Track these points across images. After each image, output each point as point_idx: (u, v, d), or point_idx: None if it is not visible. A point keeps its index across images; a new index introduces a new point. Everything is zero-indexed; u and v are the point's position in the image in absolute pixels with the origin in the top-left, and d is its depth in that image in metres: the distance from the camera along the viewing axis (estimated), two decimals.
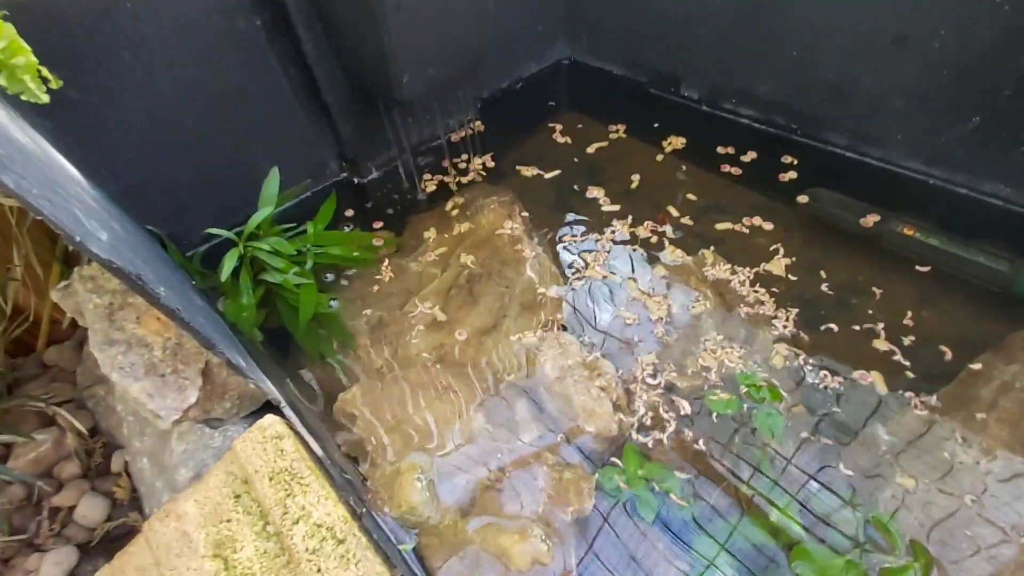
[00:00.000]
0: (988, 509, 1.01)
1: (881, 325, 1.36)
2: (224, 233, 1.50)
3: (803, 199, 1.69)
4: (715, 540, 1.01)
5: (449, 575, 0.99)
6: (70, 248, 1.54)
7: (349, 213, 1.91)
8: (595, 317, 1.50)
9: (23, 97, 1.07)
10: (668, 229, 1.73)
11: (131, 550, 1.10)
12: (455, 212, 1.91)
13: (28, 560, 1.27)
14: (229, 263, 1.45)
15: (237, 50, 1.50)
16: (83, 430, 1.38)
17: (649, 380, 1.31)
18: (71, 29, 1.23)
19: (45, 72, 1.05)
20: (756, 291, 1.49)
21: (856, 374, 1.24)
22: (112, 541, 1.35)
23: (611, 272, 1.62)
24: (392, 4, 1.29)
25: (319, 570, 0.96)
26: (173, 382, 1.14)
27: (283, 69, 1.61)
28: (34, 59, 1.02)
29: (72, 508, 1.36)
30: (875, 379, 1.24)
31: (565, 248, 1.74)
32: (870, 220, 1.57)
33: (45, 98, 1.09)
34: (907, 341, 1.33)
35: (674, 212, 1.78)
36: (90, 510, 1.34)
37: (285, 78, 1.63)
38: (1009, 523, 0.99)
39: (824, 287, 1.48)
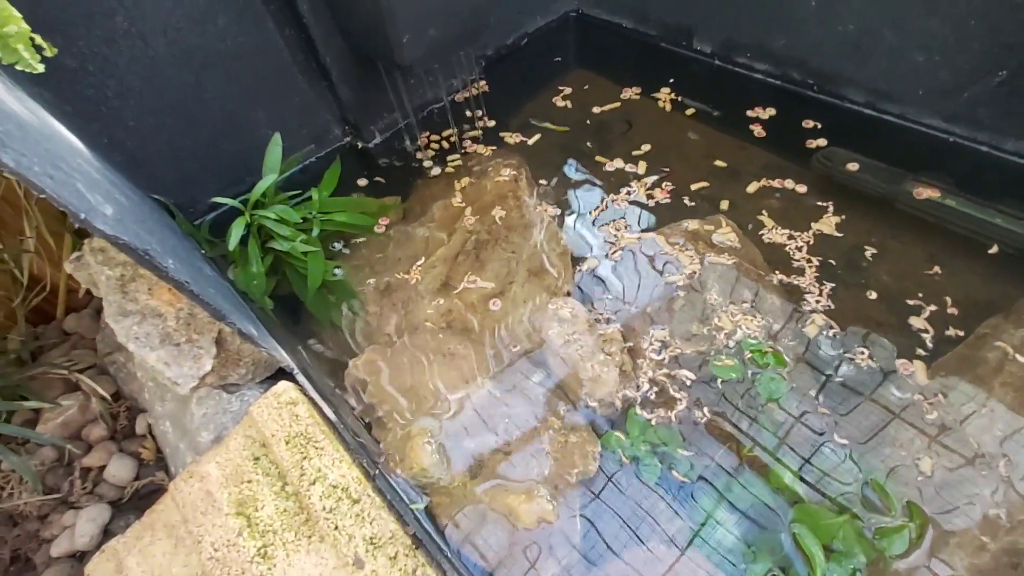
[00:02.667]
0: (988, 470, 1.03)
1: (874, 295, 1.35)
2: (229, 202, 1.50)
3: (819, 159, 1.65)
4: (716, 490, 1.04)
5: (459, 533, 1.04)
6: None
7: (354, 179, 1.90)
8: (603, 282, 1.50)
9: (18, 67, 1.06)
10: (677, 189, 1.70)
11: (159, 508, 1.17)
12: (461, 176, 1.88)
13: (64, 516, 1.35)
14: (236, 232, 1.46)
15: (231, 12, 1.45)
16: (106, 395, 1.43)
17: (655, 347, 1.32)
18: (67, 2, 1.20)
19: (39, 40, 1.03)
20: (771, 251, 1.48)
21: (899, 363, 1.20)
22: (141, 498, 1.42)
23: (619, 235, 1.61)
24: None
25: (336, 527, 1.01)
26: (188, 351, 1.17)
27: (279, 31, 1.56)
28: (26, 27, 1.00)
29: (102, 468, 1.43)
30: (918, 369, 1.19)
31: (574, 212, 1.72)
32: (887, 180, 1.54)
33: (40, 67, 1.07)
34: (914, 303, 1.32)
35: (685, 172, 1.75)
36: (119, 470, 1.41)
37: (282, 41, 1.58)
38: (1008, 482, 1.01)
39: (838, 247, 1.46)
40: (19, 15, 0.99)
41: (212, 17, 1.41)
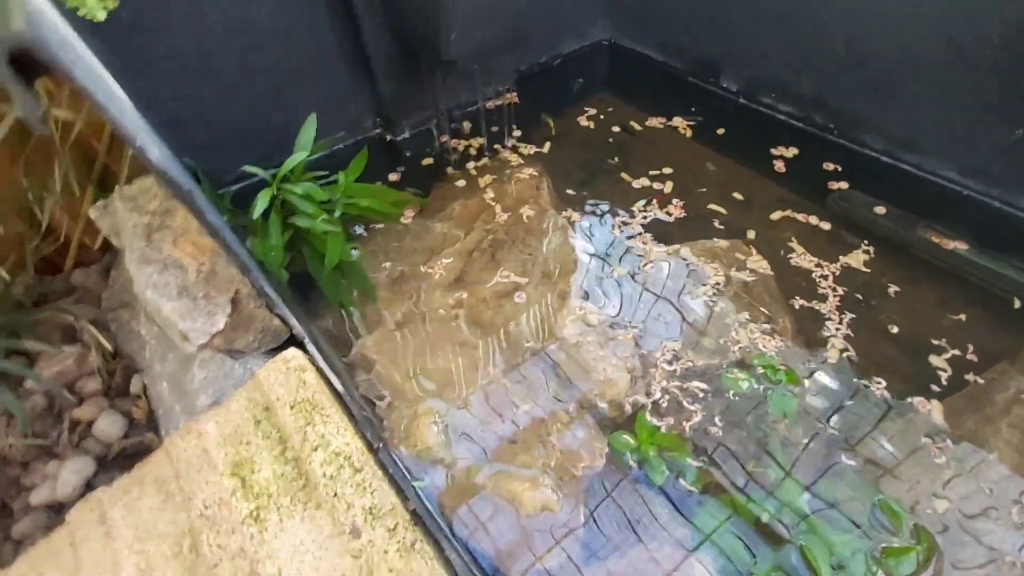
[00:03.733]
0: (992, 507, 1.02)
1: (896, 328, 1.37)
2: (260, 172, 1.51)
3: (835, 199, 1.70)
4: (722, 501, 1.03)
5: (461, 514, 1.02)
6: (127, 172, 1.56)
7: (378, 169, 1.92)
8: (618, 290, 1.51)
9: (80, 13, 1.09)
10: (697, 211, 1.73)
11: (151, 461, 1.14)
12: (484, 178, 1.91)
13: (48, 466, 1.31)
14: (262, 202, 1.46)
15: None
16: (109, 347, 1.41)
17: (668, 356, 1.32)
18: None
19: None
20: (794, 276, 1.50)
21: (916, 400, 1.20)
22: (127, 458, 1.38)
23: (635, 249, 1.63)
24: None
25: (335, 495, 0.98)
26: (204, 306, 1.16)
27: (330, 18, 1.61)
28: None
29: (91, 423, 1.39)
30: (936, 408, 1.19)
31: (591, 223, 1.75)
32: (900, 225, 1.58)
33: (102, 15, 1.10)
34: (935, 343, 1.33)
35: (706, 198, 1.79)
36: (109, 426, 1.38)
37: (331, 27, 1.63)
38: (1012, 522, 1.00)
39: (847, 286, 1.48)
40: None
41: None
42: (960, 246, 1.50)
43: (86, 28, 1.26)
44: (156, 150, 0.91)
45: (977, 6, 1.38)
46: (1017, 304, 1.40)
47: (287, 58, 1.61)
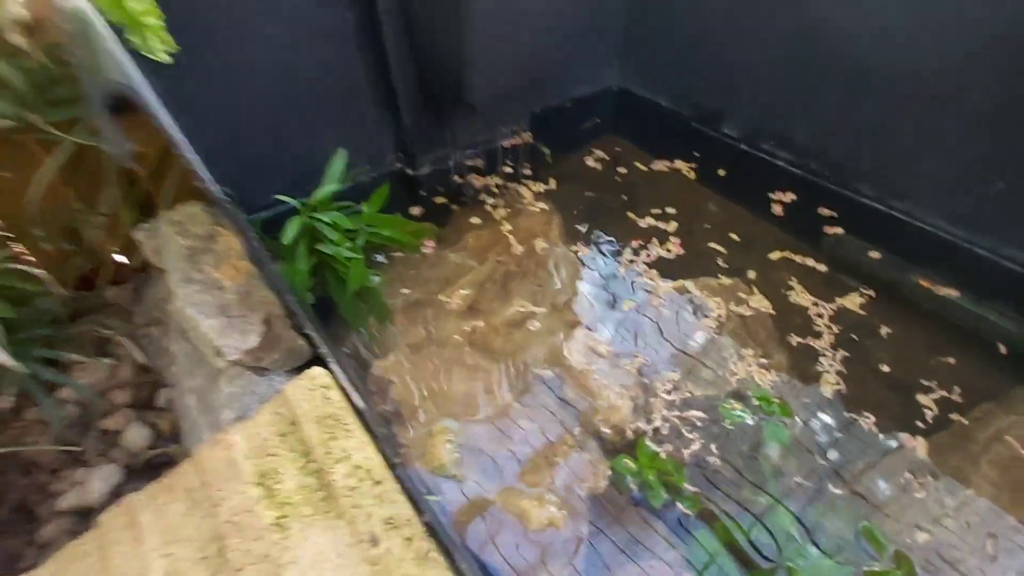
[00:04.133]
0: (969, 537, 1.08)
1: (886, 367, 1.44)
2: (291, 201, 1.62)
3: (829, 242, 1.80)
4: (717, 525, 1.09)
5: (472, 527, 1.08)
6: (170, 199, 1.67)
7: (398, 200, 2.04)
8: (623, 322, 1.60)
9: (145, 53, 1.21)
10: (697, 250, 1.83)
11: (180, 471, 1.20)
12: (497, 212, 2.02)
13: (76, 473, 1.37)
14: (292, 229, 1.57)
15: (325, 38, 1.64)
16: (143, 361, 1.49)
17: (668, 386, 1.40)
18: (193, 4, 1.38)
19: (166, 34, 1.18)
20: (791, 314, 1.58)
21: (903, 436, 1.27)
22: (152, 468, 1.45)
23: (639, 283, 1.72)
24: (478, 15, 1.43)
25: (356, 505, 1.05)
26: (239, 325, 1.25)
27: (362, 60, 1.75)
28: (160, 22, 1.16)
29: (119, 433, 1.47)
30: (920, 445, 1.26)
31: (598, 257, 1.85)
32: (890, 268, 1.67)
33: (165, 58, 1.22)
34: (923, 382, 1.41)
35: (707, 237, 1.89)
36: (136, 437, 1.45)
37: (363, 69, 1.77)
38: (985, 554, 1.06)
39: (842, 325, 1.56)
40: (158, 11, 1.15)
41: (307, 41, 1.60)
42: (951, 292, 1.59)
43: (145, 68, 1.40)
44: (213, 182, 1.02)
45: (959, 67, 1.50)
46: (1003, 349, 1.47)
47: (320, 96, 1.74)
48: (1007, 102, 1.45)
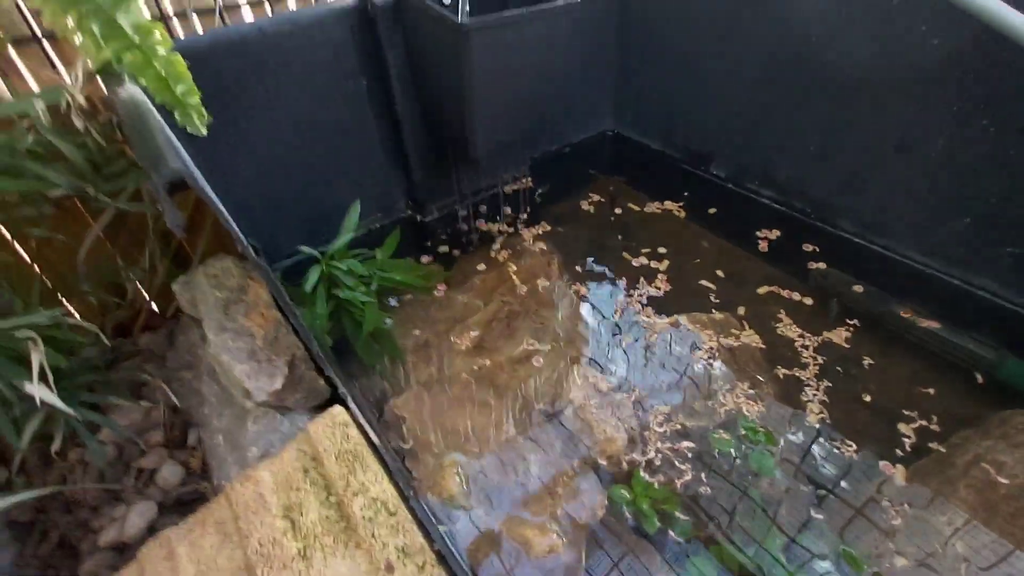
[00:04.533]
0: (948, 559, 1.15)
1: (868, 396, 1.53)
2: (312, 252, 1.77)
3: (814, 275, 1.91)
4: (708, 551, 1.17)
5: (480, 555, 1.17)
6: (201, 251, 1.83)
7: (408, 245, 2.19)
8: (619, 357, 1.70)
9: (187, 129, 1.38)
10: (690, 286, 1.94)
11: (212, 506, 1.31)
12: (501, 254, 2.16)
13: (115, 509, 1.48)
14: (312, 277, 1.71)
15: (343, 102, 1.82)
16: (177, 403, 1.62)
17: (660, 419, 1.49)
18: (225, 79, 1.56)
19: (203, 110, 1.35)
20: (778, 346, 1.68)
21: (882, 464, 1.35)
22: (183, 504, 1.56)
23: (634, 319, 1.83)
24: (479, 83, 1.60)
25: (372, 535, 1.15)
26: (266, 368, 1.37)
27: (376, 121, 1.92)
28: (199, 101, 1.32)
29: (153, 471, 1.58)
30: (899, 472, 1.33)
31: (596, 295, 1.97)
32: (873, 301, 1.78)
33: (204, 131, 1.39)
34: (903, 411, 1.49)
35: (698, 274, 2.01)
36: (169, 475, 1.56)
37: (376, 128, 1.94)
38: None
39: (827, 356, 1.66)
40: (198, 91, 1.32)
41: (328, 105, 1.77)
42: (931, 324, 1.69)
43: (184, 136, 1.57)
44: (247, 243, 1.16)
45: (922, 117, 1.64)
46: (979, 378, 1.56)
47: (338, 154, 1.91)
48: (964, 150, 1.58)
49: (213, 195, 0.98)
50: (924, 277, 1.81)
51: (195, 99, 1.33)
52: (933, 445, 1.39)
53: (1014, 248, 1.57)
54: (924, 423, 1.45)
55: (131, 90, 1.30)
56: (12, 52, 1.52)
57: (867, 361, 1.63)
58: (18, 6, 1.47)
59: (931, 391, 1.53)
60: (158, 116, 1.24)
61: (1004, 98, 1.46)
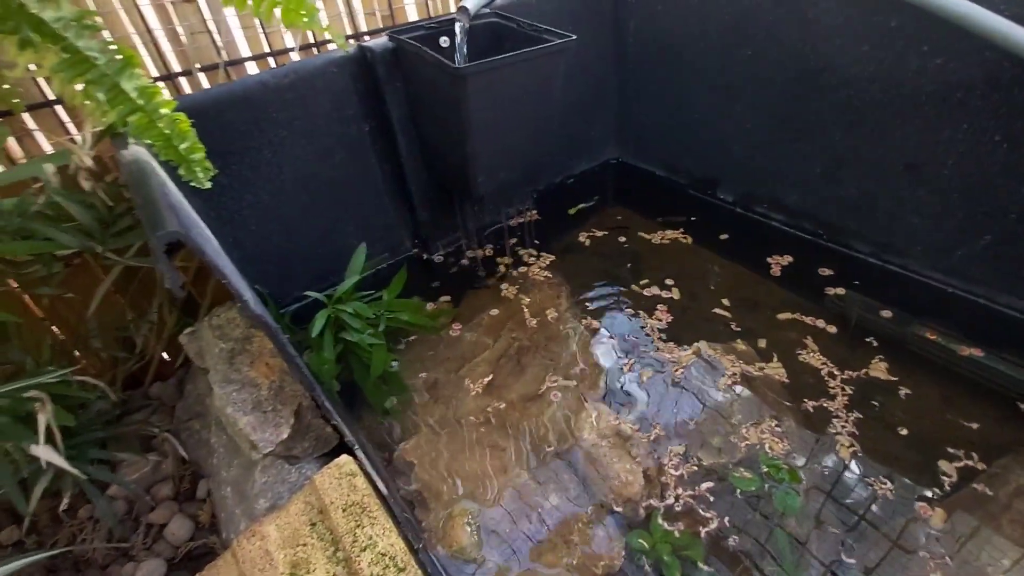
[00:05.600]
0: None
1: (902, 429, 1.45)
2: (318, 296, 1.77)
3: (831, 299, 1.85)
4: None
5: None
6: (209, 299, 1.85)
7: (416, 284, 2.18)
8: (633, 392, 1.66)
9: (191, 183, 1.40)
10: (703, 314, 1.90)
11: (219, 563, 1.28)
12: (509, 289, 2.14)
13: (124, 568, 1.46)
14: (319, 321, 1.70)
15: (347, 149, 1.85)
16: (185, 456, 1.61)
17: (680, 456, 1.44)
18: (230, 133, 1.59)
19: (208, 164, 1.37)
20: (802, 376, 1.62)
21: (918, 504, 1.26)
22: (192, 559, 1.53)
23: (648, 352, 1.79)
24: (477, 125, 1.61)
25: None
26: (272, 419, 1.36)
27: (379, 165, 1.95)
28: (204, 156, 1.34)
29: (163, 526, 1.56)
30: (936, 515, 1.25)
31: (607, 328, 1.93)
32: (895, 323, 1.72)
33: (208, 185, 1.41)
34: (929, 445, 1.41)
35: (710, 303, 1.96)
36: (178, 529, 1.54)
37: (380, 172, 1.97)
38: None
39: (854, 385, 1.59)
40: (202, 147, 1.34)
41: (332, 152, 1.80)
42: (959, 346, 1.61)
43: (188, 190, 1.60)
44: (248, 296, 1.16)
45: (930, 136, 1.60)
46: (1018, 400, 1.48)
47: (342, 198, 1.93)
48: (975, 171, 1.54)
49: (212, 253, 0.98)
50: (946, 296, 1.74)
51: (199, 154, 1.36)
52: (978, 487, 1.30)
53: None
54: (962, 456, 1.37)
55: (135, 151, 1.33)
56: (27, 117, 1.57)
57: (902, 391, 1.55)
58: (32, 74, 1.53)
59: (964, 417, 1.46)
60: (162, 176, 1.26)
61: (1015, 113, 1.43)
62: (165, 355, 1.94)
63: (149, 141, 1.28)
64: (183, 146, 1.32)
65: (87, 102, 1.18)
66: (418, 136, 1.91)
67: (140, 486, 1.61)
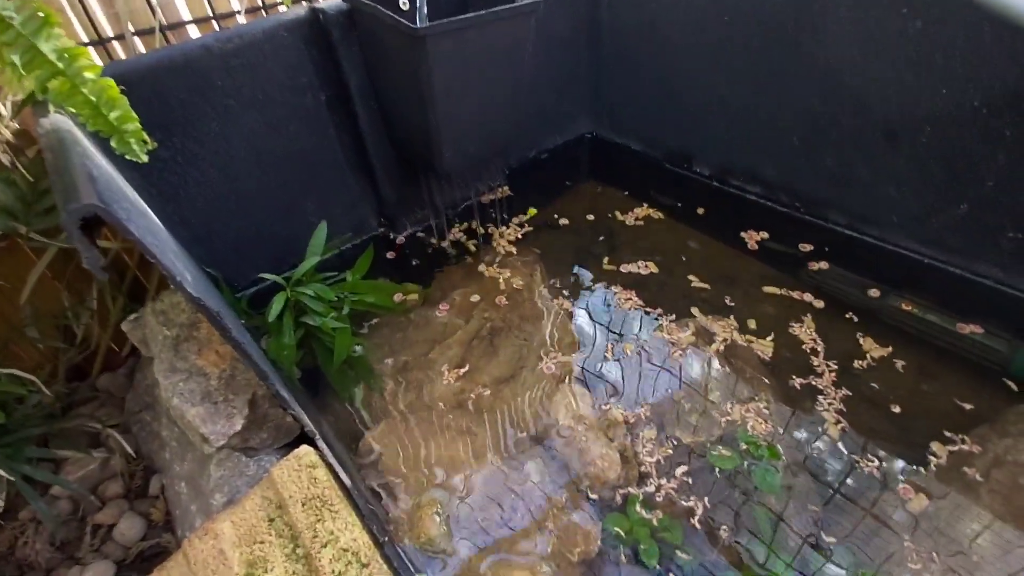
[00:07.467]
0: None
1: (890, 405, 1.43)
2: (274, 278, 1.66)
3: (808, 272, 1.82)
4: None
5: None
6: (156, 283, 1.72)
7: (383, 265, 2.08)
8: (610, 372, 1.60)
9: (127, 156, 1.27)
10: (681, 290, 1.85)
11: (170, 565, 1.19)
12: (480, 268, 2.06)
13: (70, 571, 1.36)
14: (277, 305, 1.60)
15: (302, 121, 1.72)
16: (132, 453, 1.50)
17: (657, 435, 1.39)
18: (170, 102, 1.46)
19: (145, 136, 1.25)
20: (770, 359, 1.59)
21: (900, 487, 1.23)
22: (144, 560, 1.43)
23: (625, 330, 1.74)
24: (440, 93, 1.50)
25: None
26: (224, 410, 1.26)
27: (339, 137, 1.83)
28: (139, 126, 1.22)
29: (112, 526, 1.46)
30: (917, 500, 1.21)
31: (582, 306, 1.87)
32: (871, 295, 1.69)
33: (145, 158, 1.28)
34: (900, 410, 1.40)
35: (689, 279, 1.91)
36: (128, 529, 1.44)
37: (339, 145, 1.85)
38: None
39: (825, 358, 1.56)
40: (136, 116, 1.22)
41: (286, 124, 1.68)
42: (928, 312, 1.60)
43: (126, 166, 1.46)
44: (189, 277, 1.06)
45: (909, 104, 1.56)
46: (992, 368, 1.47)
47: (301, 174, 1.81)
48: (954, 138, 1.50)
49: (140, 230, 0.88)
50: (922, 267, 1.72)
51: (132, 125, 1.23)
52: (958, 456, 1.28)
53: (1015, 233, 1.49)
54: (941, 428, 1.35)
55: (55, 120, 1.20)
56: None
57: (874, 362, 1.53)
58: None
59: (938, 386, 1.44)
60: (86, 146, 1.14)
61: (995, 76, 1.39)
62: (113, 344, 1.82)
63: (73, 110, 1.15)
64: (113, 115, 1.20)
65: (2, 67, 1.05)
66: (379, 106, 1.79)
67: (86, 484, 1.51)
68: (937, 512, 1.17)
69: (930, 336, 1.57)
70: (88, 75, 1.11)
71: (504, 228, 2.24)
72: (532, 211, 2.31)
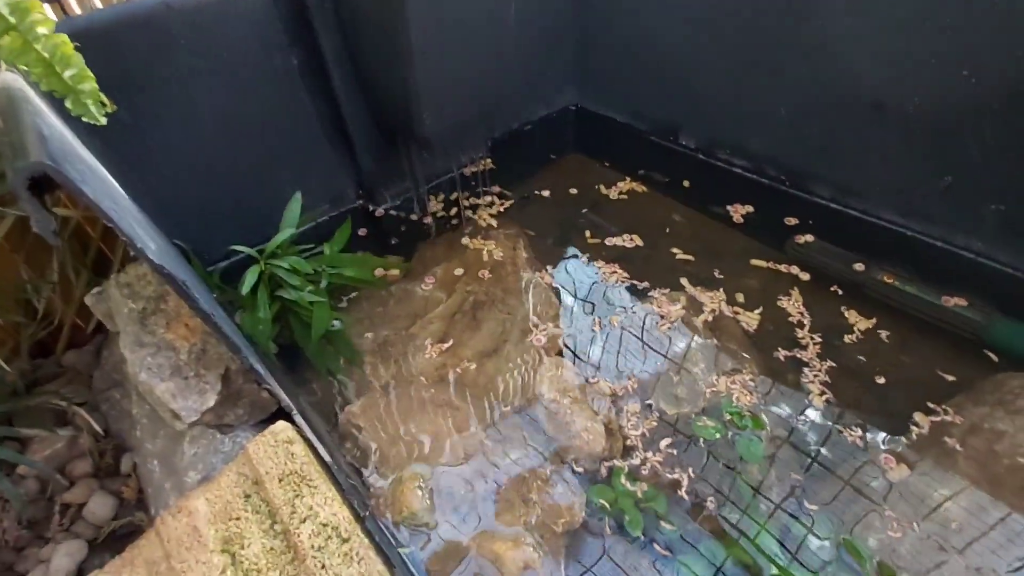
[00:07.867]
0: (952, 539, 1.07)
1: (865, 367, 1.44)
2: (246, 250, 1.60)
3: (793, 245, 1.82)
4: (697, 550, 1.07)
5: None
6: (120, 255, 1.64)
7: (362, 238, 2.02)
8: (594, 345, 1.59)
9: (83, 119, 1.19)
10: (666, 263, 1.83)
11: (142, 543, 1.16)
12: (463, 241, 2.02)
13: (41, 550, 1.32)
14: (250, 278, 1.54)
15: (272, 84, 1.64)
16: (100, 430, 1.45)
17: (642, 406, 1.38)
18: (131, 61, 1.37)
19: (103, 97, 1.17)
20: (755, 331, 1.58)
21: (882, 457, 1.23)
22: (117, 539, 1.39)
23: (609, 303, 1.72)
24: (419, 50, 1.43)
25: (323, 566, 1.01)
26: (195, 385, 1.21)
27: (313, 103, 1.75)
28: (96, 86, 1.14)
29: (82, 505, 1.41)
30: (898, 470, 1.22)
31: (566, 279, 1.84)
32: (854, 268, 1.70)
33: (103, 120, 1.20)
34: (882, 381, 1.41)
35: (674, 252, 1.90)
36: (99, 508, 1.39)
37: (314, 111, 1.76)
38: (975, 556, 1.05)
39: (810, 330, 1.57)
40: (92, 75, 1.14)
41: (255, 88, 1.59)
42: (908, 284, 1.61)
43: (85, 130, 1.37)
44: (153, 246, 1.00)
45: (897, 74, 1.54)
46: (963, 337, 1.49)
47: (273, 142, 1.73)
48: (942, 109, 1.49)
49: (95, 193, 0.81)
50: (904, 239, 1.72)
51: (88, 85, 1.15)
52: (935, 425, 1.29)
53: (998, 205, 1.50)
54: (920, 396, 1.36)
55: (5, 78, 1.11)
56: None
57: (859, 335, 1.54)
58: None
59: (917, 357, 1.46)
60: (38, 105, 1.06)
61: (985, 43, 1.37)
62: (78, 320, 1.74)
63: (26, 67, 1.07)
64: (68, 74, 1.12)
65: None
66: (356, 70, 1.71)
67: (53, 463, 1.45)
68: (917, 480, 1.18)
69: (914, 308, 1.58)
70: (41, 31, 1.04)
71: (487, 200, 2.19)
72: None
